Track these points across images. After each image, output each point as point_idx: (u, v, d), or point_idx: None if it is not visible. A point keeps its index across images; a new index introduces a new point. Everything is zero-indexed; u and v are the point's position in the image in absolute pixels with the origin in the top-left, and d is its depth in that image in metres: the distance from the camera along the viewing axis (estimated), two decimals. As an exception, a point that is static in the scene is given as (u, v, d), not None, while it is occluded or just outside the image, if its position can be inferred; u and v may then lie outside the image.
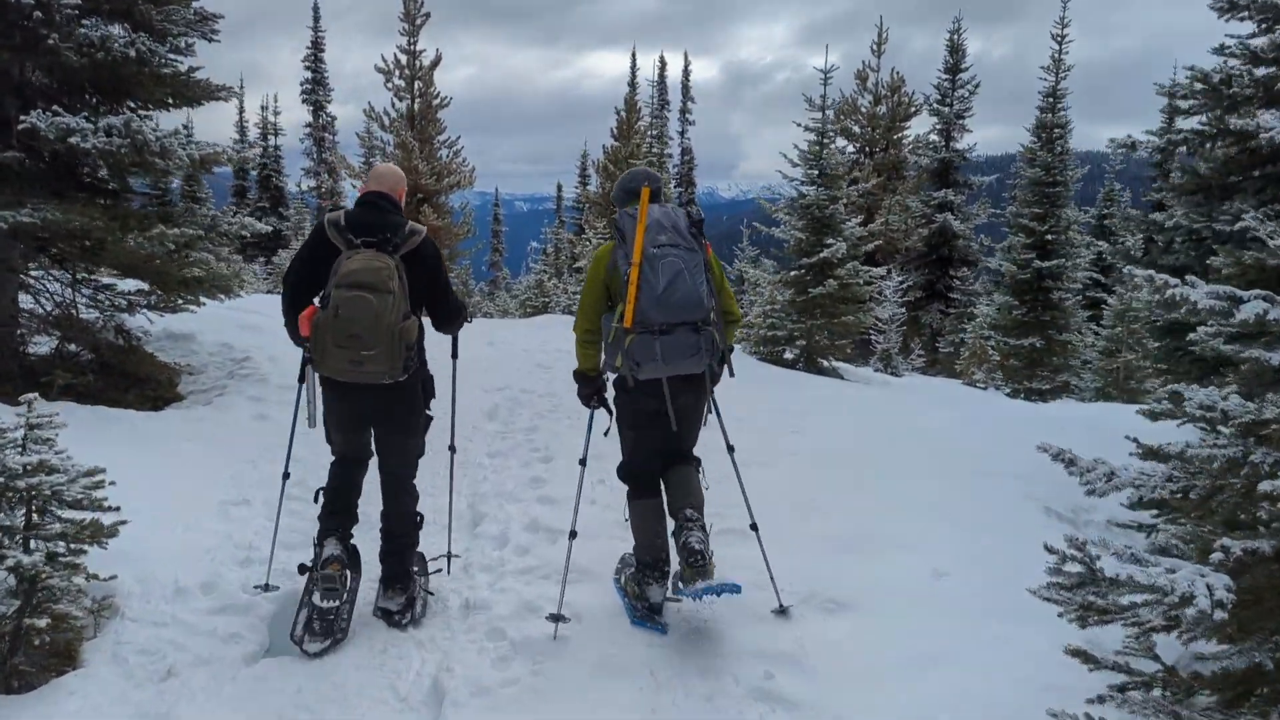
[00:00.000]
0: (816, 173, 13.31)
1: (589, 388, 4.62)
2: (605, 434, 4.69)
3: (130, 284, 7.82)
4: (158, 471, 5.66)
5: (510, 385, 9.61)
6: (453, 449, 5.28)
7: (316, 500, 4.61)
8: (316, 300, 4.25)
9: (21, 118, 6.10)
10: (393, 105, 23.72)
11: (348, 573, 4.40)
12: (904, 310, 18.99)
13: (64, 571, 3.72)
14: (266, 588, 4.70)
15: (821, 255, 12.89)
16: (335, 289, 4.03)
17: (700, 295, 4.19)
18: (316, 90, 42.12)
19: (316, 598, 4.31)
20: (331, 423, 4.52)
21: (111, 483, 3.94)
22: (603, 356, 4.48)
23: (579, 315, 4.55)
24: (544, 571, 5.02)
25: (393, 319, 4.04)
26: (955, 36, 25.58)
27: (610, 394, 4.65)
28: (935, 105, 26.02)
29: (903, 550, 5.41)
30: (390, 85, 23.64)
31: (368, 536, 4.89)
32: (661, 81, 41.73)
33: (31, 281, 7.42)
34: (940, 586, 4.97)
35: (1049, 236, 17.49)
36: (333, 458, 4.68)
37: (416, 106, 23.76)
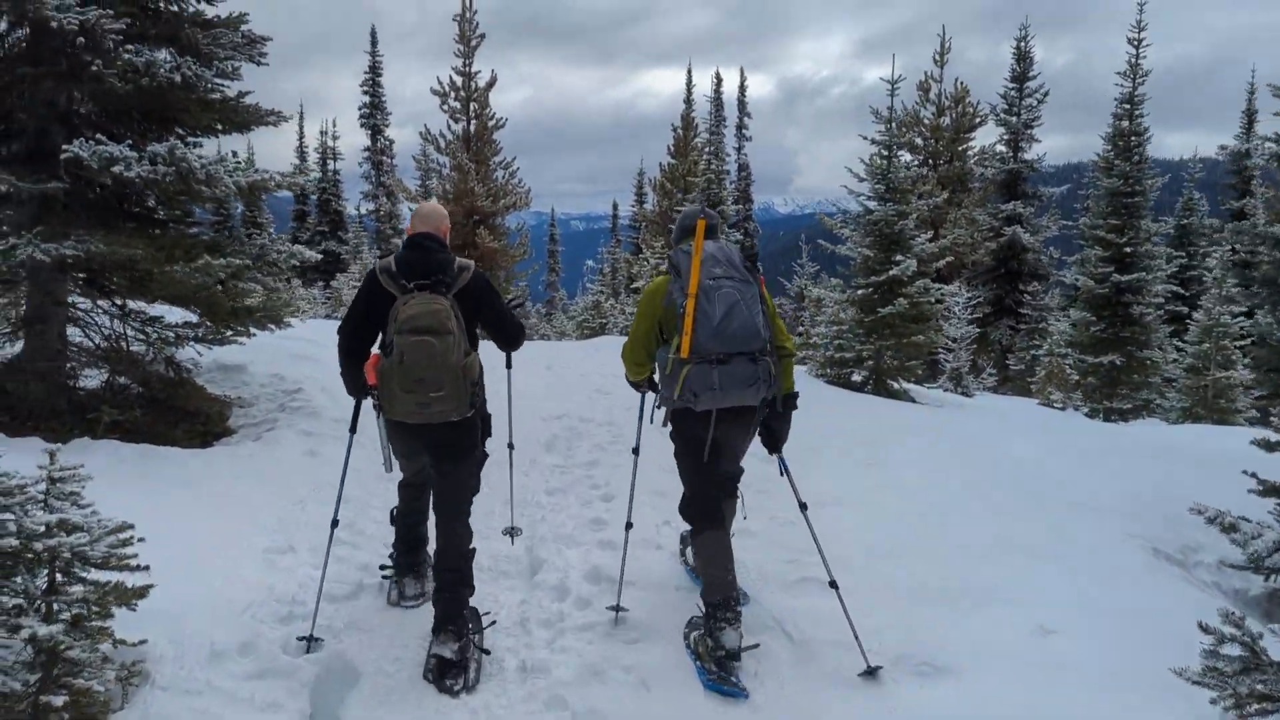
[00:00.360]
0: (884, 187, 12.80)
1: (646, 385, 4.83)
2: (652, 421, 4.77)
3: (178, 314, 7.60)
4: (200, 514, 5.38)
5: (568, 413, 9.24)
6: (511, 446, 5.52)
7: (392, 521, 5.02)
8: (375, 348, 4.38)
9: (64, 146, 5.88)
10: (448, 127, 23.66)
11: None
12: (973, 327, 18.34)
13: (86, 641, 3.40)
14: (310, 641, 4.37)
15: (890, 273, 12.36)
16: (397, 335, 4.12)
17: (757, 325, 4.25)
18: (374, 114, 42.56)
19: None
20: (395, 450, 4.67)
21: (140, 539, 3.61)
22: (659, 389, 4.58)
23: (629, 346, 4.66)
24: (606, 629, 4.64)
25: (455, 359, 4.15)
26: (1022, 44, 24.85)
27: (668, 428, 4.65)
28: (1001, 115, 25.27)
29: (1001, 602, 4.92)
30: (446, 107, 23.58)
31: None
32: (718, 98, 41.29)
33: (80, 315, 7.22)
34: (1048, 646, 4.47)
35: (1127, 249, 16.75)
36: (399, 480, 5.00)
37: (472, 128, 23.67)
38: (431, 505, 4.71)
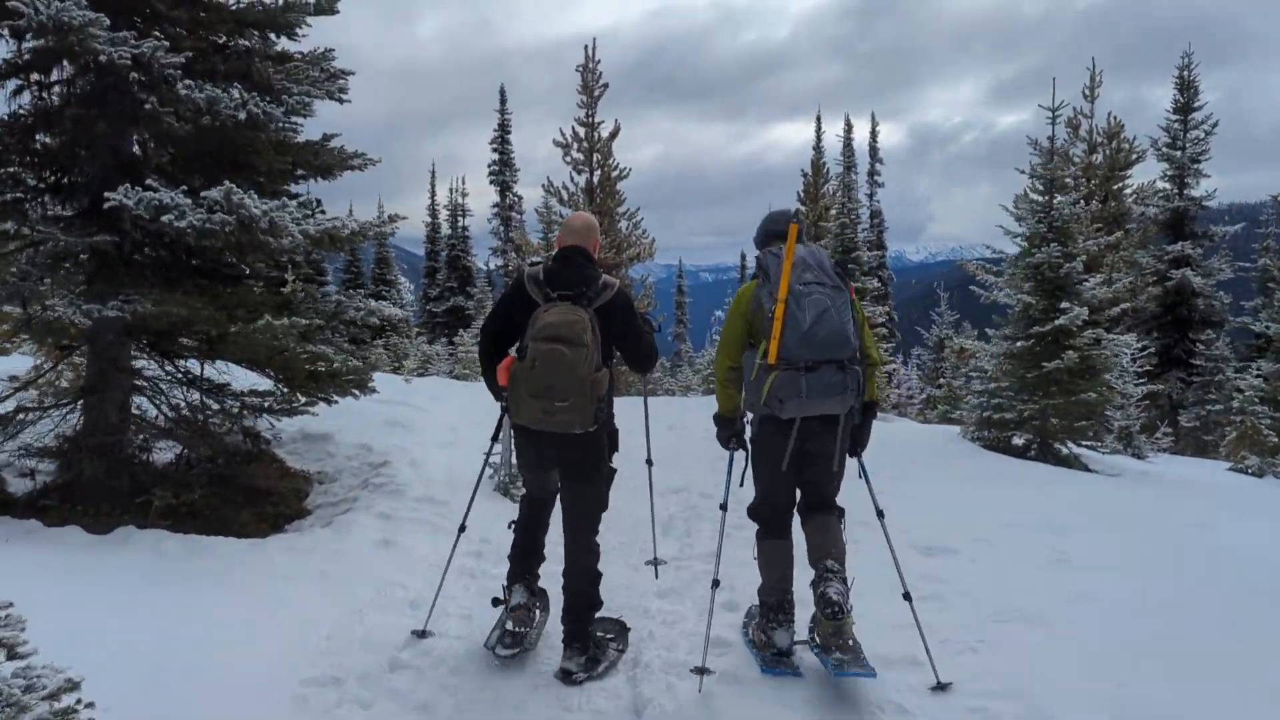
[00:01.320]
0: (1045, 227, 11.35)
1: (728, 430, 4.53)
2: (741, 484, 4.54)
3: (251, 379, 6.85)
4: (234, 631, 4.41)
5: (689, 486, 8.14)
6: (650, 463, 5.61)
7: (510, 529, 4.82)
8: (513, 351, 4.42)
9: (107, 194, 5.15)
10: (571, 179, 23.12)
11: (534, 614, 4.68)
12: (1143, 381, 16.43)
13: None
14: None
15: (1057, 322, 10.87)
16: (532, 341, 4.19)
17: (847, 333, 4.13)
18: (504, 171, 42.65)
19: (509, 624, 4.50)
20: (521, 463, 4.68)
21: (90, 704, 2.64)
22: (743, 395, 4.43)
23: (719, 353, 4.51)
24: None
25: (585, 371, 4.15)
26: (1185, 73, 22.78)
27: (748, 434, 4.53)
28: (1164, 149, 23.16)
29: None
30: (569, 159, 23.04)
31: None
32: (848, 144, 39.98)
33: (145, 383, 6.51)
34: None
35: (1328, 290, 14.68)
36: (523, 494, 4.93)
37: (595, 179, 23.07)
38: (562, 523, 4.65)
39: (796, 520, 4.53)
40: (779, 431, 4.25)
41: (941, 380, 32.39)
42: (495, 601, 4.74)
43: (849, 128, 38.11)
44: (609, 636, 4.77)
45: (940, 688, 4.13)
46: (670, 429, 10.79)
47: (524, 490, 4.94)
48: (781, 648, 4.37)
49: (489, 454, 5.31)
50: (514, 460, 4.81)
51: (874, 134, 43.68)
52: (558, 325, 4.15)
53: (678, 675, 4.30)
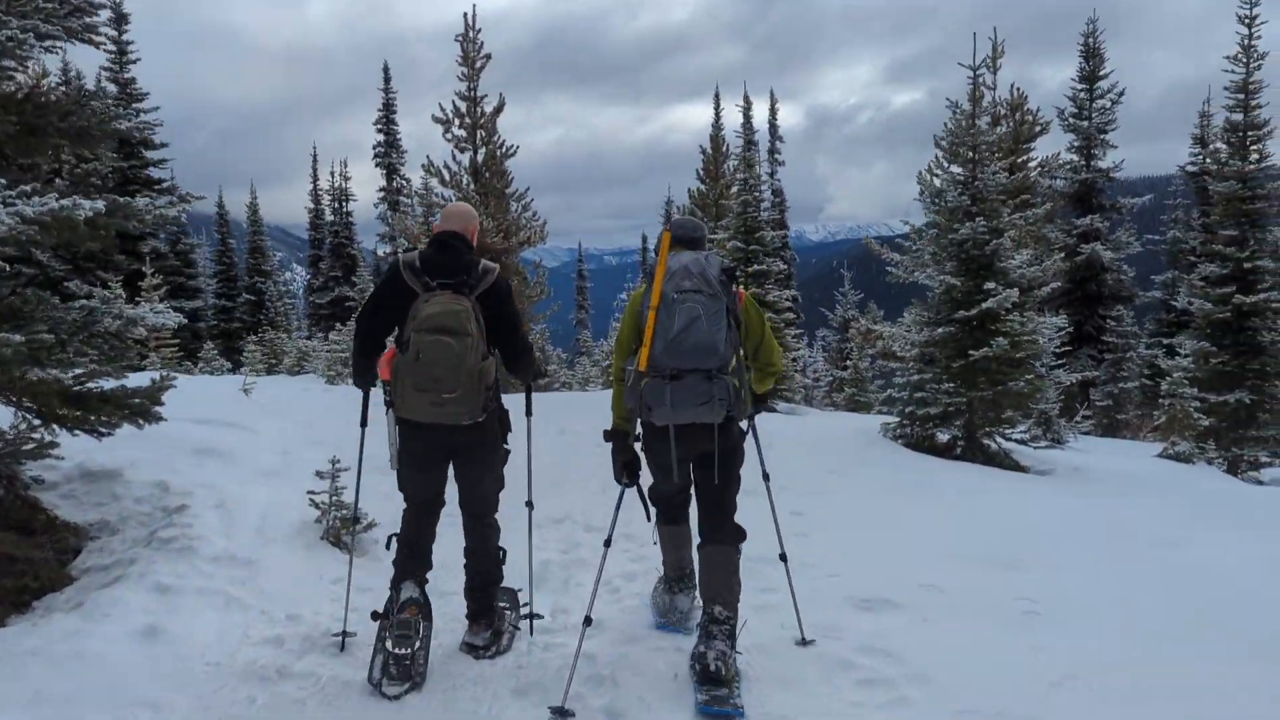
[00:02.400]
0: (968, 199, 10.24)
1: (621, 455, 4.40)
2: (649, 519, 4.63)
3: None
4: None
5: (571, 514, 6.79)
6: (530, 505, 4.89)
7: (389, 546, 4.52)
8: (391, 341, 4.30)
9: None
10: (453, 158, 21.40)
11: (423, 621, 4.27)
12: (1062, 362, 15.64)
13: None
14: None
15: (984, 305, 9.78)
16: (415, 333, 4.05)
17: (715, 343, 4.04)
18: (390, 153, 40.41)
19: (389, 644, 4.09)
20: (407, 462, 4.42)
21: None
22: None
23: (614, 353, 4.57)
24: None
25: (473, 361, 4.07)
26: (1090, 40, 22.15)
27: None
28: (1070, 120, 22.50)
29: None
30: (450, 136, 21.29)
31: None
32: (748, 121, 38.92)
33: None
34: None
35: (1248, 264, 14.00)
36: (404, 506, 4.55)
37: (480, 158, 21.39)
38: (459, 506, 4.53)
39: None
40: (657, 436, 4.26)
41: (848, 362, 31.73)
42: (375, 615, 4.31)
43: (748, 104, 37.09)
44: (505, 606, 4.70)
45: (805, 643, 4.39)
46: (561, 434, 9.38)
47: (405, 500, 4.54)
48: (682, 610, 4.65)
49: (362, 440, 4.69)
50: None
51: (773, 111, 42.72)
52: (441, 315, 4.02)
53: None
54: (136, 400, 5.34)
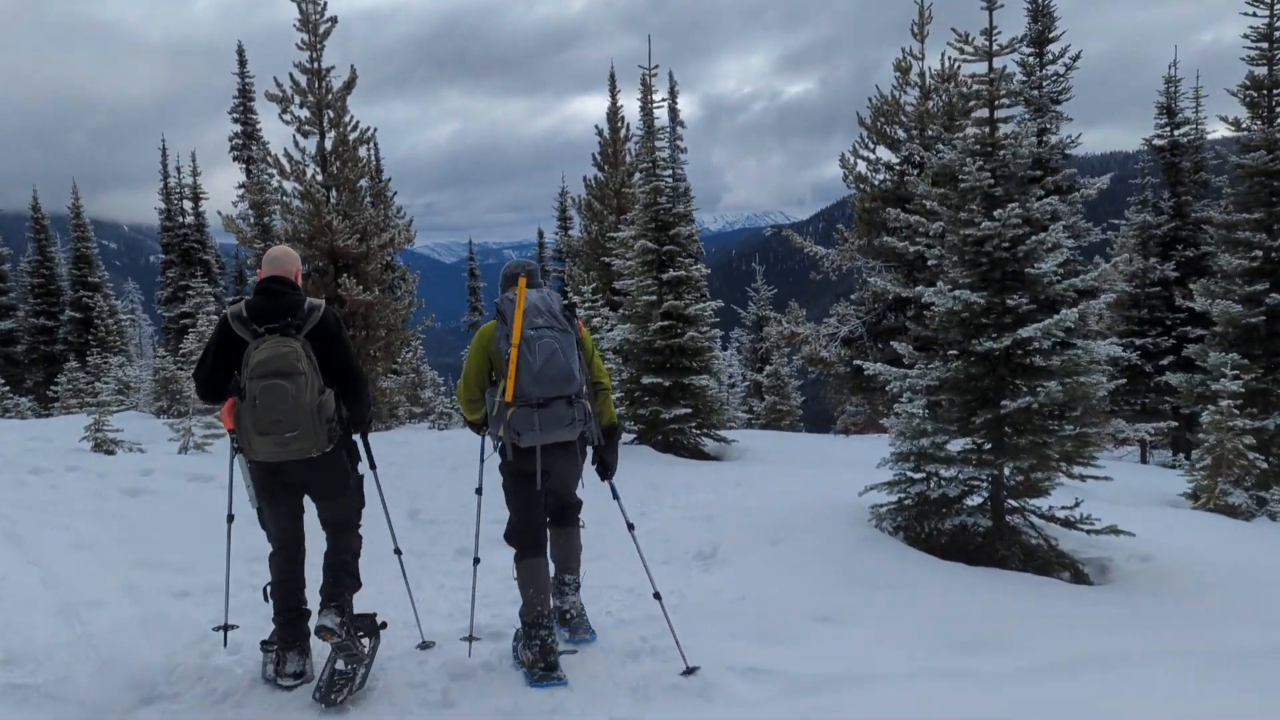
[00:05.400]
0: (989, 177, 7.04)
1: (478, 430, 5.13)
2: (485, 460, 5.09)
3: None
4: None
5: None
6: (398, 552, 5.33)
7: (266, 599, 4.63)
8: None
9: None
10: (295, 144, 17.52)
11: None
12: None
13: None
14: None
15: (1020, 334, 6.59)
16: (249, 380, 4.20)
17: (573, 371, 4.62)
18: (248, 145, 35.80)
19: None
20: (265, 500, 4.53)
21: None
22: (488, 427, 4.90)
23: (463, 385, 4.98)
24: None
25: (310, 398, 4.22)
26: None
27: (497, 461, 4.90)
28: (1018, 88, 19.63)
29: None
30: (288, 116, 17.42)
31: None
32: (645, 105, 35.54)
33: None
34: None
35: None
36: (270, 551, 4.69)
37: (328, 144, 17.54)
38: (320, 521, 4.68)
39: None
40: (521, 458, 4.66)
41: (768, 366, 28.72)
42: (264, 646, 4.64)
43: (646, 86, 33.56)
44: (362, 635, 4.65)
45: (689, 671, 4.63)
46: (412, 517, 6.54)
47: (270, 541, 4.69)
48: (551, 660, 4.63)
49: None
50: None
51: (673, 94, 39.44)
52: (271, 360, 4.18)
53: None
54: None
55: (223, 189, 35.55)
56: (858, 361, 9.63)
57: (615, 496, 5.13)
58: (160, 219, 35.36)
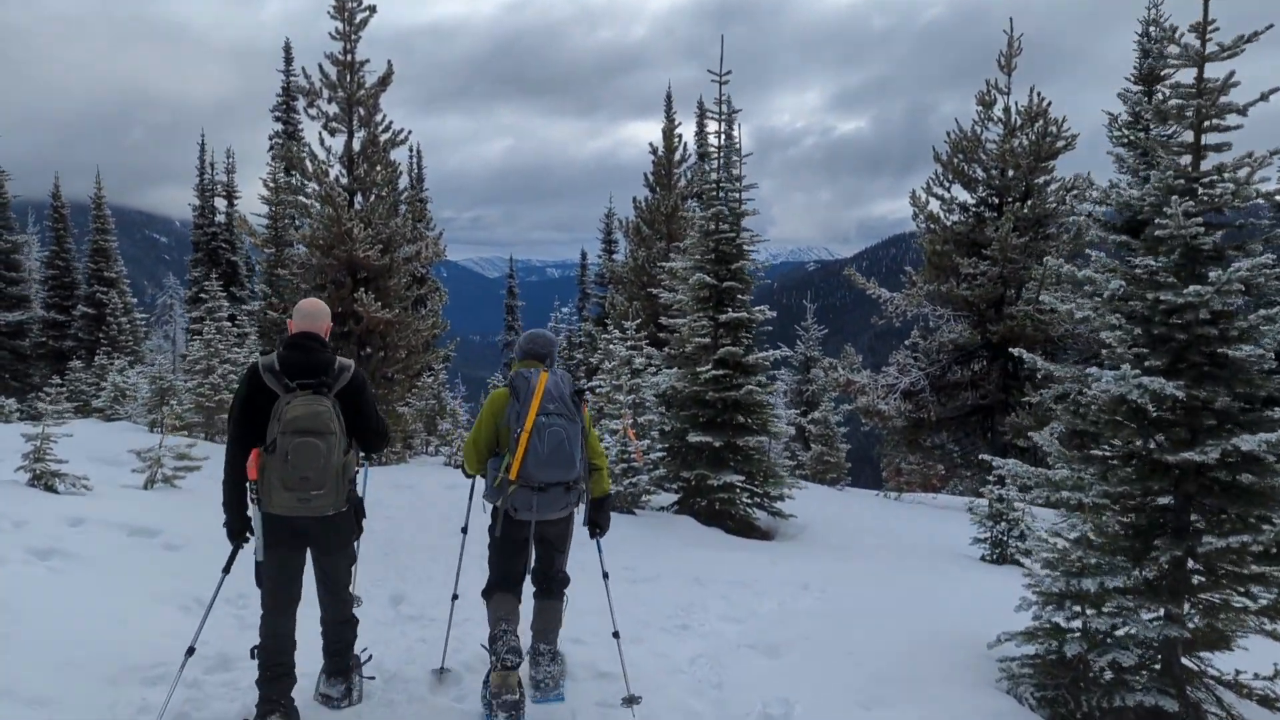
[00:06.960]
0: (1200, 219, 5.18)
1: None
2: (485, 510, 5.06)
3: None
4: None
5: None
6: (355, 599, 5.11)
7: (253, 657, 4.51)
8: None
9: None
10: (322, 141, 15.97)
11: None
12: None
13: None
14: None
15: (1238, 443, 4.71)
16: (281, 435, 4.22)
17: (575, 461, 4.78)
18: (290, 146, 34.49)
19: None
20: (269, 555, 4.42)
21: None
22: (486, 490, 5.00)
23: (470, 446, 5.03)
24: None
25: (337, 458, 4.29)
26: (1152, 28, 17.40)
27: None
28: (1122, 131, 17.58)
29: None
30: (315, 111, 15.88)
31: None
32: (701, 130, 33.84)
33: None
34: None
35: None
36: (262, 614, 4.59)
37: (356, 144, 15.97)
38: (316, 582, 4.67)
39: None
40: (513, 525, 4.82)
41: (816, 413, 26.75)
42: None
43: (701, 111, 31.78)
44: (350, 663, 4.88)
45: (631, 700, 4.85)
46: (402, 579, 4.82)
47: (264, 604, 4.57)
48: (510, 699, 4.60)
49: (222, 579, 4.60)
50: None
51: (730, 120, 37.69)
52: (305, 418, 4.22)
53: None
54: None
55: (261, 190, 34.34)
56: (984, 456, 7.71)
57: (599, 550, 5.35)
58: (193, 216, 34.24)
